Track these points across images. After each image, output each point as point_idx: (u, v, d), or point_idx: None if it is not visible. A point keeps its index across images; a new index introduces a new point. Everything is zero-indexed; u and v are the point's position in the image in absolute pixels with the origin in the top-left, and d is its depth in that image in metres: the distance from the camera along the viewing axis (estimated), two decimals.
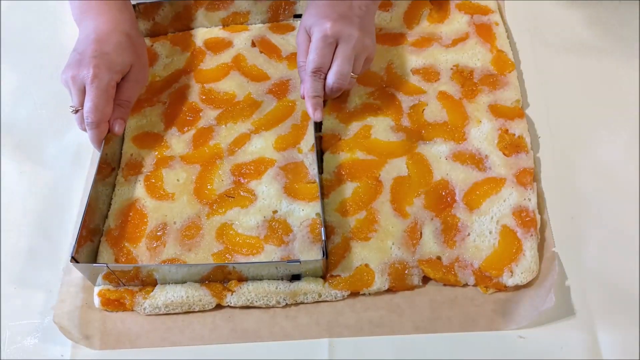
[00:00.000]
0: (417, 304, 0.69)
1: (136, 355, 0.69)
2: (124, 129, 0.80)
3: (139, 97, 0.85)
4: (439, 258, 0.70)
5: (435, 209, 0.73)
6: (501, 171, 0.74)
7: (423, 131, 0.78)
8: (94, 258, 0.74)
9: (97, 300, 0.71)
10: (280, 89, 0.85)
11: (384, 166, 0.76)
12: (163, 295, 0.71)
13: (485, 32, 0.85)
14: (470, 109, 0.79)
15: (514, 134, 0.76)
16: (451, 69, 0.83)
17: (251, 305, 0.70)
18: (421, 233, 0.72)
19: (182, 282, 0.71)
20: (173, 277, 0.71)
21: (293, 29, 0.91)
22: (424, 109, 0.80)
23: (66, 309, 0.72)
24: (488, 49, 0.83)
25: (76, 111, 0.76)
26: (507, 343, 0.65)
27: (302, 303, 0.70)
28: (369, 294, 0.70)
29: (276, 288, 0.70)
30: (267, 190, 0.76)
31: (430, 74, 0.83)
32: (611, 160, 0.75)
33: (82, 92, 0.75)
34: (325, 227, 0.70)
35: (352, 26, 0.74)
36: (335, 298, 0.69)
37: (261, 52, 0.89)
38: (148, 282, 0.72)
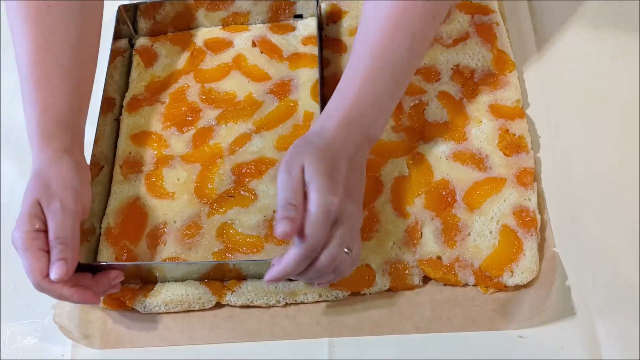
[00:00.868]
0: (417, 303, 0.69)
1: (136, 354, 0.69)
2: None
3: (138, 97, 0.85)
4: (439, 258, 0.70)
5: (436, 209, 0.73)
6: (501, 171, 0.74)
7: (423, 131, 0.78)
8: (93, 257, 0.74)
9: None
10: (282, 89, 0.85)
11: (384, 166, 0.76)
12: (163, 294, 0.71)
13: (485, 32, 0.85)
14: (471, 108, 0.79)
15: (515, 134, 0.76)
16: (452, 68, 0.83)
17: (251, 304, 0.70)
18: (421, 233, 0.72)
19: (182, 280, 0.71)
20: (173, 275, 0.71)
21: (293, 29, 0.91)
22: (424, 109, 0.80)
23: (66, 308, 0.72)
24: (489, 49, 0.83)
25: None
26: (507, 343, 0.65)
27: (302, 302, 0.70)
28: (370, 293, 0.70)
29: (276, 287, 0.70)
30: (267, 189, 0.76)
31: (430, 73, 0.83)
32: (611, 160, 0.75)
33: None
34: None
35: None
36: (336, 298, 0.69)
37: (262, 52, 0.89)
38: (148, 281, 0.72)
